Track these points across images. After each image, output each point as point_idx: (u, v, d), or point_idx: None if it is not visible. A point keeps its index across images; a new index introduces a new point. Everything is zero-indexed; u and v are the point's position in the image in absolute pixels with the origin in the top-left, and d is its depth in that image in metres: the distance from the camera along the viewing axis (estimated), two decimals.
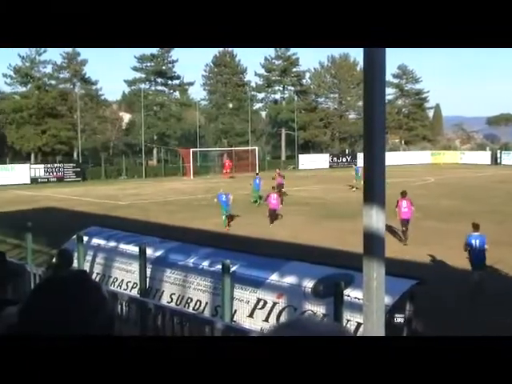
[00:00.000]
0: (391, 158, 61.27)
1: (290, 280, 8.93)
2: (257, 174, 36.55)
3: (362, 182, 3.14)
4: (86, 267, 12.03)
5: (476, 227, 14.33)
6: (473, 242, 13.97)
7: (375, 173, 3.16)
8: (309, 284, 8.68)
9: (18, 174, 51.37)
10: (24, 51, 64.65)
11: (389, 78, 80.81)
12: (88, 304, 1.67)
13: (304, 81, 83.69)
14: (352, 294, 7.79)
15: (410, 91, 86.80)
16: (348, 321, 7.57)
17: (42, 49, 64.10)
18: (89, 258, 12.49)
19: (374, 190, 3.19)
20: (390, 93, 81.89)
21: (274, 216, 24.31)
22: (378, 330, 3.24)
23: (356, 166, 41.52)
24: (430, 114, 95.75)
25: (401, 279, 7.88)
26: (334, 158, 72.50)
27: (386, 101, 3.21)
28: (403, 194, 20.28)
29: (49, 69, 67.33)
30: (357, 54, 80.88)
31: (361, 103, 78.23)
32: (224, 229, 23.12)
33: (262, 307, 8.89)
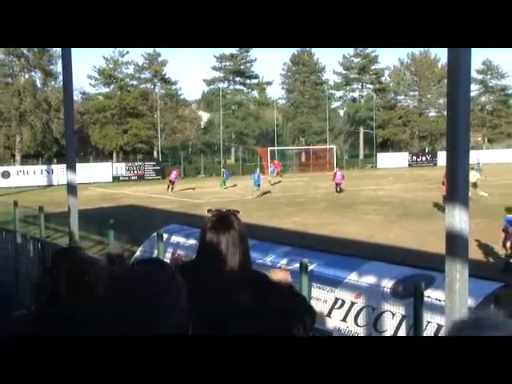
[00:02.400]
0: (473, 157, 59.51)
1: (368, 280, 8.82)
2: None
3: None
4: None
5: (509, 210, 17.36)
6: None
7: (459, 172, 3.10)
8: (388, 284, 8.56)
9: (100, 172, 52.77)
10: (108, 53, 66.72)
11: (472, 73, 78.33)
12: (159, 297, 1.65)
13: (383, 78, 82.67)
14: (433, 294, 7.63)
15: (494, 87, 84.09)
16: (428, 322, 7.42)
17: (125, 50, 65.95)
18: (168, 255, 12.71)
19: (457, 189, 3.13)
20: (473, 89, 79.46)
21: (339, 188, 34.70)
22: None
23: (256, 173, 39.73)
24: None
25: (485, 281, 7.66)
26: (414, 157, 71.04)
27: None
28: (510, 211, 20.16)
29: (130, 70, 69.24)
30: (438, 51, 79.12)
31: (441, 101, 76.57)
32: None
33: (340, 307, 8.82)
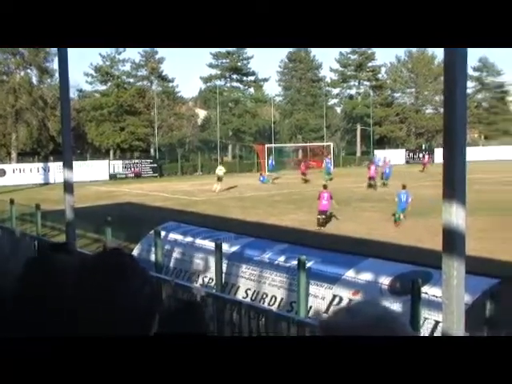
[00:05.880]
0: (469, 154, 59.12)
1: (366, 277, 8.86)
2: None
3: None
4: (164, 262, 12.29)
5: (404, 187, 23.18)
6: (401, 196, 22.60)
7: (456, 169, 3.11)
8: (385, 281, 8.60)
9: (97, 170, 52.62)
10: (105, 50, 66.56)
11: (468, 70, 78.14)
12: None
13: (380, 75, 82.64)
14: (430, 291, 7.67)
15: (491, 84, 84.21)
16: (426, 319, 7.46)
17: (122, 48, 65.73)
18: (166, 252, 12.73)
19: (454, 186, 3.14)
20: (469, 86, 79.66)
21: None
22: (458, 329, 3.19)
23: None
24: None
25: (481, 277, 7.69)
26: (411, 154, 71.21)
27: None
28: (325, 187, 23.36)
29: (127, 67, 69.10)
30: (435, 48, 79.05)
31: (438, 98, 76.63)
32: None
33: (338, 304, 8.85)
